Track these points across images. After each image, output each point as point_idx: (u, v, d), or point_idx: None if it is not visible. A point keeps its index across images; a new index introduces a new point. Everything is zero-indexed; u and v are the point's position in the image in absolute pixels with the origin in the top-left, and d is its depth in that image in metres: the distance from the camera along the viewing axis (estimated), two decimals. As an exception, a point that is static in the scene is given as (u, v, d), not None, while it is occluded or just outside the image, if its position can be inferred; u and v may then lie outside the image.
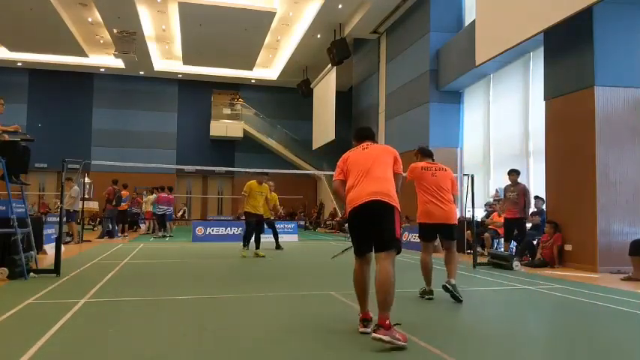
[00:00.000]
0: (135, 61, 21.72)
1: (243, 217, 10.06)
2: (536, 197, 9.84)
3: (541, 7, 9.11)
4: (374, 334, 3.29)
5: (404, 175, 4.14)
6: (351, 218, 3.75)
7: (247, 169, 10.78)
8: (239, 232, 14.39)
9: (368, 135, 4.22)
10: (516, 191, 9.09)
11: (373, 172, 3.76)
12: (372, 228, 3.63)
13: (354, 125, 21.58)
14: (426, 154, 5.60)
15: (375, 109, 19.05)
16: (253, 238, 9.79)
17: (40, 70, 24.92)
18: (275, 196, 11.27)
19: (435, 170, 5.34)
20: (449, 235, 5.32)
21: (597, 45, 8.37)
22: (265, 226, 10.55)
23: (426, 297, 5.25)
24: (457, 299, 5.01)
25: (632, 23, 8.48)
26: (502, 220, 9.90)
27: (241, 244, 9.95)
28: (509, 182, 9.28)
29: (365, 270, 3.73)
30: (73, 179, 11.99)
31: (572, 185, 8.76)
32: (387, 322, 3.32)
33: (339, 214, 22.11)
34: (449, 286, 5.07)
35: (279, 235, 11.56)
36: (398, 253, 3.63)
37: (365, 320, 3.71)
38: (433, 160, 5.55)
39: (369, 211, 3.62)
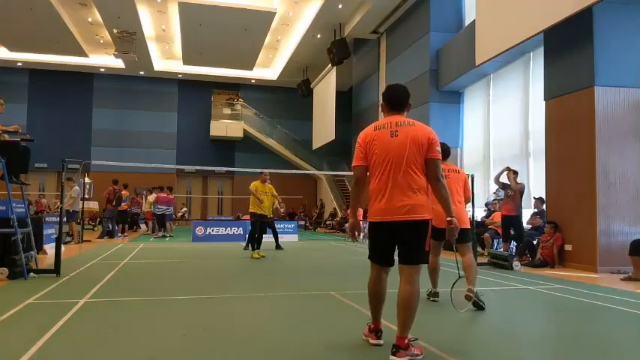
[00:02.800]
0: (135, 61, 21.72)
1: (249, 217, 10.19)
2: (536, 198, 9.85)
3: (541, 7, 9.10)
4: (392, 358, 3.03)
5: (438, 160, 3.26)
6: (373, 229, 3.31)
7: (247, 169, 10.76)
8: (239, 232, 14.41)
9: (401, 101, 3.35)
10: (514, 190, 9.12)
11: (402, 175, 3.16)
12: (397, 243, 3.24)
13: (354, 125, 21.61)
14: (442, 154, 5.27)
15: (375, 109, 19.05)
16: (253, 235, 9.84)
17: (40, 70, 24.92)
18: (273, 190, 11.18)
19: (448, 172, 5.08)
20: (459, 238, 4.62)
21: (597, 45, 8.37)
22: (267, 227, 10.46)
23: (432, 299, 5.23)
24: (480, 307, 4.76)
25: (632, 23, 8.48)
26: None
27: (243, 245, 9.99)
28: (508, 182, 9.29)
29: (384, 279, 3.35)
30: (73, 179, 11.99)
31: (572, 185, 8.75)
32: (406, 341, 3.06)
33: (339, 214, 22.12)
34: (471, 295, 4.65)
35: (279, 235, 11.51)
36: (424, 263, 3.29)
37: (377, 331, 3.43)
38: (447, 160, 5.10)
39: (395, 230, 3.18)
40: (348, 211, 3.55)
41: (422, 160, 3.20)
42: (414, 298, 3.11)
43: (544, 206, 9.64)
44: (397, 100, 3.36)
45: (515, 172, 9.32)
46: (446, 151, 4.93)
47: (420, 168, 3.20)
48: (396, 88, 3.42)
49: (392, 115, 3.35)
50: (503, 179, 9.43)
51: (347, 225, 3.52)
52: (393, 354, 3.04)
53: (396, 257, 3.33)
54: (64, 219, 8.51)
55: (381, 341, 3.39)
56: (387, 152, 3.19)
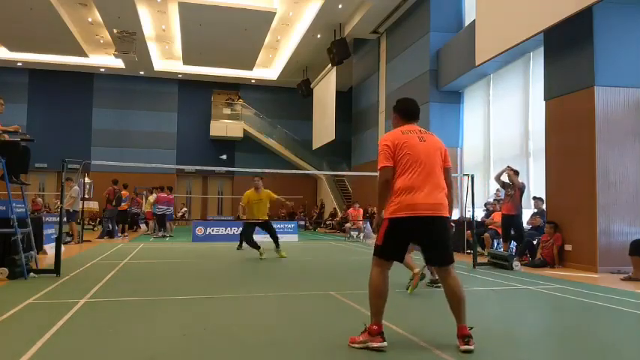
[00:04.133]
0: (135, 61, 21.72)
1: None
2: (536, 198, 9.85)
3: (541, 7, 9.10)
4: (469, 347, 3.23)
5: (451, 168, 3.66)
6: (398, 224, 3.35)
7: (247, 169, 10.75)
8: (239, 232, 14.39)
9: (416, 112, 3.65)
10: (516, 188, 9.13)
11: (434, 175, 3.41)
12: (425, 242, 3.44)
13: (354, 125, 21.62)
14: None
15: (375, 109, 19.05)
16: (248, 238, 9.70)
17: (40, 70, 24.91)
18: (271, 195, 10.81)
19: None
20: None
21: (597, 45, 8.37)
22: (262, 228, 10.01)
23: (434, 285, 5.53)
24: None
25: (632, 23, 8.47)
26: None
27: (247, 246, 9.93)
28: (509, 181, 9.30)
29: (387, 277, 3.41)
30: (73, 179, 11.98)
31: (572, 185, 8.75)
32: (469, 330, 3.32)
33: (339, 214, 22.12)
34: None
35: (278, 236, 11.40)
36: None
37: (382, 333, 3.33)
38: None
39: (425, 225, 3.35)
40: (375, 209, 3.55)
41: (442, 165, 3.51)
42: (464, 290, 3.44)
43: (544, 206, 9.64)
44: (415, 112, 3.65)
45: (517, 172, 9.32)
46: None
47: (441, 171, 3.49)
48: (411, 101, 3.70)
49: (409, 124, 3.60)
50: (504, 178, 9.44)
51: (374, 222, 3.46)
52: (467, 343, 3.25)
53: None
54: (64, 219, 8.50)
55: (386, 343, 3.30)
56: (419, 154, 3.41)
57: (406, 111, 3.64)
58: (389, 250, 3.42)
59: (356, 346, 3.34)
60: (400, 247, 3.45)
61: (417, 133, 3.49)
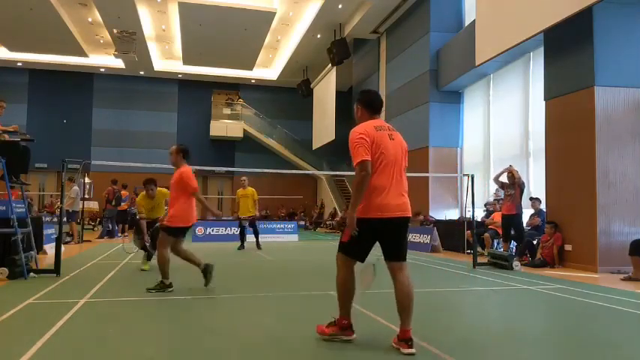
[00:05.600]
0: (135, 61, 21.71)
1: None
2: (533, 198, 9.84)
3: (541, 7, 9.11)
4: (411, 350, 3.19)
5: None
6: (370, 224, 3.32)
7: (247, 169, 10.81)
8: (239, 232, 14.40)
9: (381, 105, 3.61)
10: (513, 189, 9.11)
11: (401, 176, 3.41)
12: (389, 240, 3.40)
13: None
14: None
15: (375, 109, 19.02)
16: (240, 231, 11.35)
17: (40, 70, 24.91)
18: (255, 193, 11.51)
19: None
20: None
21: (597, 45, 8.37)
22: (249, 226, 11.43)
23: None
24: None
25: (632, 23, 8.47)
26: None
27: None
28: (507, 182, 9.29)
29: (353, 274, 3.52)
30: (74, 179, 11.98)
31: (572, 185, 8.76)
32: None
33: (339, 214, 22.11)
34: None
35: (278, 236, 11.98)
36: None
37: (352, 326, 3.52)
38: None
39: (395, 226, 3.36)
40: (348, 208, 3.42)
41: (405, 166, 3.51)
42: (413, 288, 3.35)
43: (542, 206, 9.64)
44: (380, 105, 3.59)
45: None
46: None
47: (404, 170, 3.50)
48: (375, 93, 3.63)
49: (375, 118, 3.54)
50: (503, 179, 9.43)
51: (349, 224, 3.30)
52: (411, 346, 3.19)
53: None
54: (64, 219, 8.50)
55: (355, 335, 3.46)
56: (389, 155, 3.36)
57: (372, 103, 3.55)
58: (356, 249, 3.44)
59: (325, 337, 3.49)
60: (368, 246, 3.43)
61: (387, 131, 3.44)
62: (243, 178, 11.30)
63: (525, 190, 9.48)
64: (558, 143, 9.18)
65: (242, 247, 11.23)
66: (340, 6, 17.41)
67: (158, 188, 7.98)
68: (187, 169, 5.78)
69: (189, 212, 5.75)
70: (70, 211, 11.97)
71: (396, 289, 3.36)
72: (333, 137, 21.72)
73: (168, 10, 18.71)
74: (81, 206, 13.39)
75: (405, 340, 3.23)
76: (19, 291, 5.40)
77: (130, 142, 25.71)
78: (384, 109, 17.84)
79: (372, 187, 3.29)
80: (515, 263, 8.06)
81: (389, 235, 3.38)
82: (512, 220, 9.16)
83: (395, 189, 3.35)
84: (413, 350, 3.19)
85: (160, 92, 26.63)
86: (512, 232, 9.36)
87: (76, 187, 12.23)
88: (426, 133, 14.40)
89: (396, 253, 3.40)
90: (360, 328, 3.65)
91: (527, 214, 9.88)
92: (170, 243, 5.68)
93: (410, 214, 3.44)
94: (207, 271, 5.76)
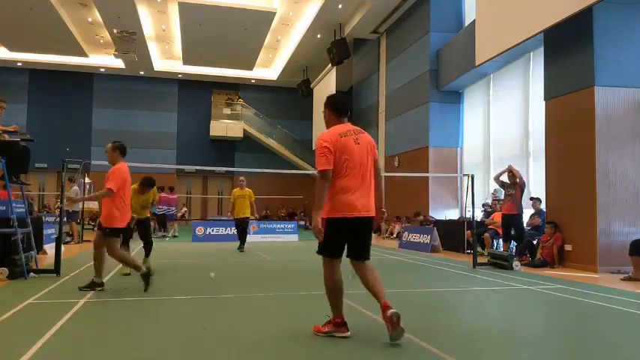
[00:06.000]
0: (135, 61, 21.71)
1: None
2: (533, 199, 9.84)
3: (541, 7, 9.10)
4: (395, 310, 3.35)
5: (377, 159, 3.81)
6: (341, 225, 3.51)
7: (247, 169, 10.85)
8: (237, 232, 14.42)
9: (347, 109, 3.82)
10: (514, 189, 9.12)
11: (367, 178, 3.61)
12: (356, 239, 3.58)
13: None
14: None
15: (375, 109, 19.05)
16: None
17: (40, 70, 24.91)
18: (252, 194, 11.43)
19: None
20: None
21: (597, 45, 8.36)
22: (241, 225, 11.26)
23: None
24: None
25: (632, 23, 8.47)
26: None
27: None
28: (508, 181, 9.29)
29: (340, 272, 3.62)
30: (74, 179, 11.98)
31: (572, 185, 8.75)
32: None
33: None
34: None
35: (279, 236, 11.87)
36: None
37: (346, 324, 3.60)
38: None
39: (362, 225, 3.57)
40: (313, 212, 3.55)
41: (372, 164, 3.68)
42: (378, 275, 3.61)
43: (542, 206, 9.63)
44: (346, 109, 3.79)
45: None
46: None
47: (372, 173, 3.66)
48: (341, 97, 3.89)
49: (342, 122, 3.72)
50: (503, 178, 9.43)
51: (314, 225, 3.48)
52: (399, 318, 3.34)
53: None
54: (64, 219, 8.50)
55: (350, 332, 3.56)
56: (355, 159, 3.55)
57: (338, 107, 3.76)
58: (334, 248, 3.59)
59: (321, 335, 3.59)
60: (343, 243, 3.60)
61: (353, 135, 3.62)
62: (242, 178, 11.24)
63: (525, 190, 9.49)
64: (558, 143, 9.18)
65: (242, 247, 11.24)
66: (340, 6, 17.41)
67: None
68: (120, 167, 5.58)
69: (126, 212, 5.59)
70: (70, 211, 11.97)
71: (364, 284, 3.57)
72: (333, 137, 21.68)
73: (168, 10, 18.71)
74: (81, 206, 13.39)
75: (386, 308, 3.40)
76: (19, 291, 5.40)
77: (130, 142, 25.14)
78: (384, 109, 17.90)
79: (339, 189, 3.51)
80: (515, 263, 8.05)
81: (354, 234, 3.57)
82: (512, 220, 9.16)
83: (361, 190, 3.55)
84: (395, 310, 3.39)
85: (160, 92, 26.63)
86: (513, 232, 9.36)
87: (76, 187, 12.22)
88: (426, 133, 14.41)
89: (360, 253, 3.59)
90: (359, 326, 3.65)
91: (527, 214, 9.88)
92: (106, 243, 5.47)
93: (374, 214, 3.61)
94: (147, 275, 5.52)
